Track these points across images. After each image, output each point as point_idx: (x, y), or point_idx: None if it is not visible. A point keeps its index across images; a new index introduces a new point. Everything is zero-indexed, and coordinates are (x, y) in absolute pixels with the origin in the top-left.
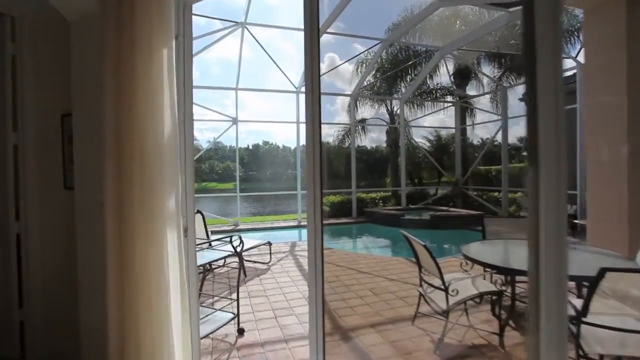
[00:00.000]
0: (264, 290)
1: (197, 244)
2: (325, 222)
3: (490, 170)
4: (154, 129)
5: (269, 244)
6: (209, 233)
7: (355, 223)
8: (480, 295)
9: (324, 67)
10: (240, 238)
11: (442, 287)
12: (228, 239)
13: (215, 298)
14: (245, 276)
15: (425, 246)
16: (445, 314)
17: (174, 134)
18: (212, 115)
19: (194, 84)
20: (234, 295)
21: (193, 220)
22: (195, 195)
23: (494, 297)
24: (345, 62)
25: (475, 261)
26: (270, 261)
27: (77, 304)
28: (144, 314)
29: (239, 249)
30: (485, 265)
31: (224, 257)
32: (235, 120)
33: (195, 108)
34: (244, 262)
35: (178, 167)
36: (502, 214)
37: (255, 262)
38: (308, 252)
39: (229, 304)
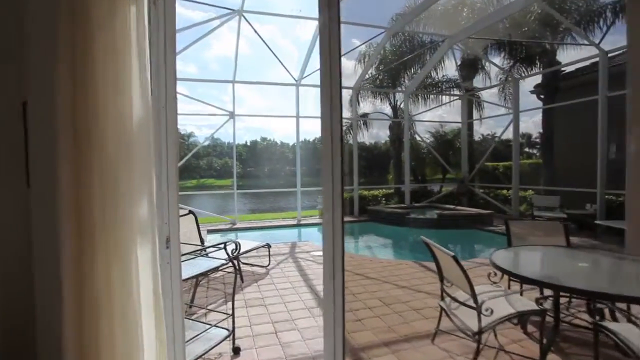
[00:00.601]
0: (263, 299)
1: (188, 253)
2: None
3: (497, 166)
4: (118, 116)
5: (268, 246)
6: (204, 236)
7: (357, 222)
8: (519, 316)
9: (318, 64)
10: (236, 245)
11: (473, 304)
12: (222, 246)
13: (209, 309)
14: (242, 282)
15: (455, 258)
16: (477, 336)
17: (146, 123)
18: (208, 110)
19: (189, 76)
20: (229, 306)
21: (177, 227)
22: (193, 192)
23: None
24: (345, 54)
25: (513, 275)
26: (269, 264)
27: (34, 326)
28: (106, 349)
29: (236, 253)
30: (527, 281)
31: (217, 268)
32: (232, 115)
33: (191, 103)
34: (241, 264)
35: (153, 163)
36: (513, 213)
37: (253, 265)
38: (324, 266)
39: (224, 319)
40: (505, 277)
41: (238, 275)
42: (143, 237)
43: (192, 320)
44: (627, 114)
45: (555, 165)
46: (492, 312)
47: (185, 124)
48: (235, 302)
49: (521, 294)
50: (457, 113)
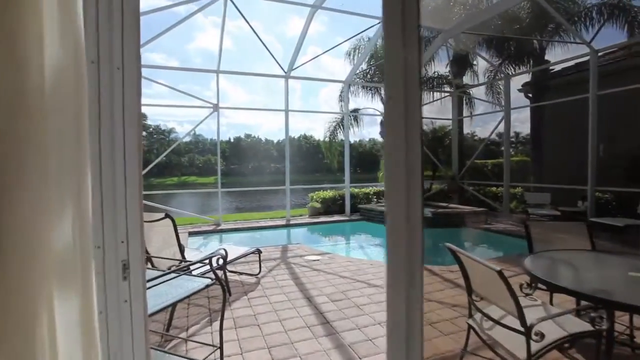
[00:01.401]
0: (255, 316)
1: (160, 275)
2: (316, 220)
3: (486, 164)
4: (11, 80)
5: (259, 252)
6: (185, 241)
7: (349, 221)
8: (571, 339)
9: (306, 59)
10: (224, 256)
11: (519, 327)
12: (207, 261)
13: (190, 335)
14: (230, 295)
15: (501, 274)
16: None
17: (74, 89)
18: (191, 103)
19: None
20: (215, 327)
21: (140, 245)
22: (174, 191)
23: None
24: (336, 46)
25: (568, 292)
26: (259, 272)
27: None
28: None
29: (222, 262)
30: (582, 297)
31: (200, 290)
32: (216, 107)
33: (171, 94)
34: (228, 273)
35: (87, 156)
36: (503, 210)
37: (241, 273)
38: (391, 281)
39: (210, 354)
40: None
41: (225, 289)
42: (65, 276)
43: (168, 354)
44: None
45: (544, 162)
46: (543, 337)
47: (166, 120)
48: (224, 315)
49: (578, 315)
50: (447, 110)
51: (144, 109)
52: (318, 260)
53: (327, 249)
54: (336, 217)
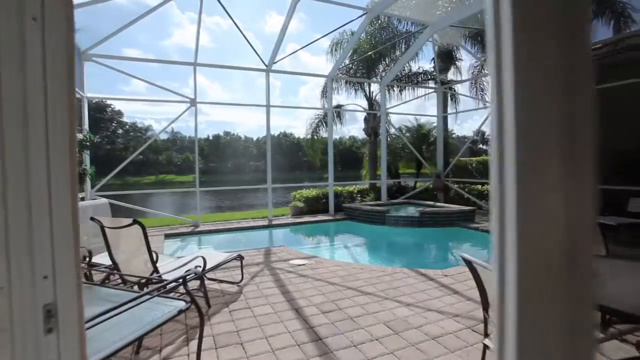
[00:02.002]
0: (237, 333)
1: (120, 305)
2: (299, 220)
3: (471, 161)
4: None
5: (240, 258)
6: (160, 244)
7: (333, 221)
8: None
9: (286, 59)
10: (199, 271)
11: None
12: (184, 278)
13: (164, 358)
14: (209, 307)
15: None
16: None
17: None
18: (167, 97)
19: (148, 69)
20: (193, 348)
21: (74, 280)
22: (147, 190)
23: None
24: (320, 38)
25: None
26: (241, 280)
27: None
28: None
29: (202, 270)
30: (626, 317)
31: (172, 317)
32: (193, 102)
33: (149, 91)
34: (207, 280)
35: None
36: (489, 208)
37: (221, 281)
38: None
39: None
40: None
41: (202, 312)
42: None
43: None
44: None
45: None
46: None
47: (144, 118)
48: (202, 340)
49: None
50: (431, 107)
51: (119, 105)
52: (304, 265)
53: (312, 251)
54: (320, 217)
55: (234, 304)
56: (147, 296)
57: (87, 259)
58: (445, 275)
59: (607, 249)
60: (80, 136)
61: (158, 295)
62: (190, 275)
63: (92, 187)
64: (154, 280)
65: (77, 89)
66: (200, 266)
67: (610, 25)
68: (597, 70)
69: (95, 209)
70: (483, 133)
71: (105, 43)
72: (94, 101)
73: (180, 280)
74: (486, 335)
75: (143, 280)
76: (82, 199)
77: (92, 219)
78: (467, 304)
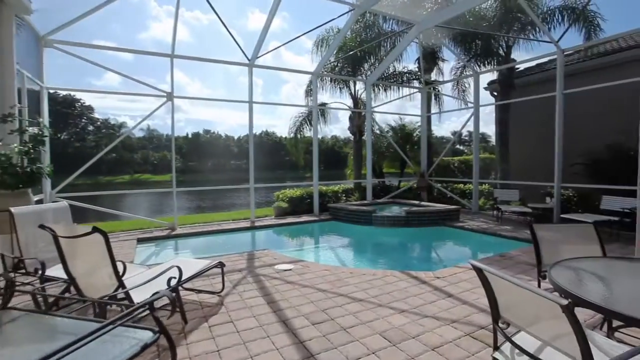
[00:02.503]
0: (218, 353)
1: (65, 347)
2: (283, 221)
3: (453, 161)
4: None
5: (221, 265)
6: (132, 251)
7: (319, 221)
8: None
9: (269, 57)
10: (179, 273)
11: None
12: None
13: None
14: (186, 323)
15: (568, 308)
16: None
17: None
18: (142, 91)
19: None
20: None
21: None
22: (121, 191)
23: None
24: (305, 33)
25: (625, 319)
26: (222, 289)
27: None
28: None
29: (177, 281)
30: None
31: (135, 356)
32: (170, 96)
33: (121, 83)
34: (184, 291)
35: None
36: (472, 207)
37: (200, 291)
38: None
39: None
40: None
41: (174, 343)
42: None
43: None
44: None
45: (510, 160)
46: None
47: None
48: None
49: None
50: (415, 107)
51: (90, 100)
52: (290, 269)
53: (298, 254)
54: (305, 218)
55: (214, 318)
56: (109, 326)
57: (40, 272)
58: (437, 278)
59: (603, 249)
60: (35, 130)
61: (121, 325)
62: (160, 299)
63: (53, 187)
64: (118, 297)
65: (34, 78)
66: (175, 277)
67: (581, 33)
68: (569, 74)
69: (54, 212)
70: (460, 134)
71: (74, 33)
72: (60, 95)
73: (146, 305)
74: (496, 348)
75: (106, 298)
76: (40, 201)
77: (41, 226)
78: (463, 308)
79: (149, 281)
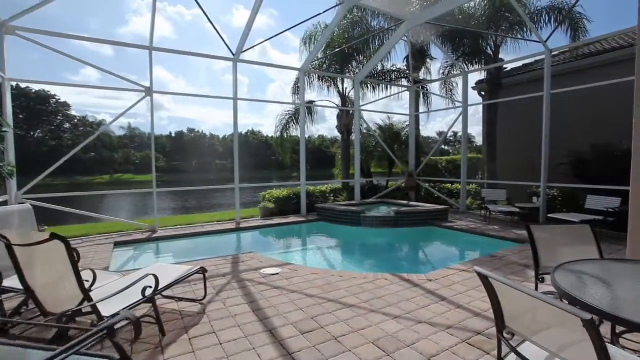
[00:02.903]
0: None
1: None
2: (270, 222)
3: (441, 160)
4: None
5: (203, 272)
6: (106, 258)
7: (306, 222)
8: None
9: (254, 54)
10: (155, 282)
11: None
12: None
13: None
14: (164, 336)
15: (592, 325)
16: None
17: None
18: (118, 85)
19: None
20: None
21: None
22: (96, 192)
23: None
24: (292, 28)
25: None
26: (205, 296)
27: None
28: None
29: (151, 293)
30: None
31: None
32: (149, 91)
33: (99, 77)
34: (163, 299)
35: None
36: (460, 206)
37: (180, 299)
38: None
39: None
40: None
41: (157, 326)
42: None
43: None
44: (634, 107)
45: (498, 159)
46: None
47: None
48: None
49: None
50: (401, 107)
51: (67, 97)
52: (278, 274)
53: (286, 257)
54: (292, 218)
55: (195, 329)
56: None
57: None
58: (430, 280)
59: (600, 251)
60: None
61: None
62: (121, 323)
63: (19, 188)
64: (84, 311)
65: None
66: (151, 287)
67: (567, 34)
68: (555, 75)
69: (20, 215)
70: (446, 134)
71: (49, 26)
72: (33, 90)
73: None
74: (501, 359)
75: (69, 313)
76: (5, 203)
77: None
78: (457, 312)
79: (121, 291)
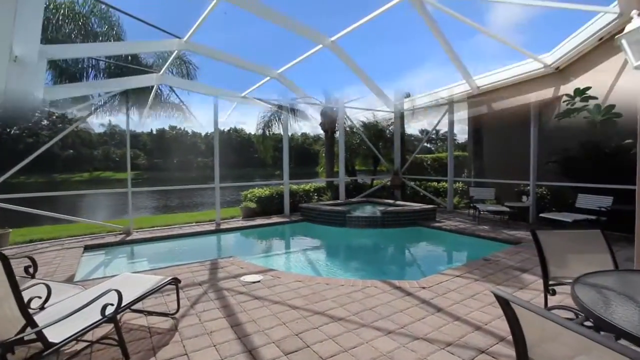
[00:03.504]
0: None
1: None
2: (252, 223)
3: (426, 158)
4: None
5: (176, 282)
6: (72, 263)
7: (290, 223)
8: None
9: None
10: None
11: None
12: None
13: None
14: (128, 358)
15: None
16: None
17: None
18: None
19: None
20: None
21: None
22: (65, 192)
23: None
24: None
25: None
26: (177, 310)
27: None
28: None
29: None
30: None
31: None
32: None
33: None
34: (130, 313)
35: None
36: (447, 205)
37: (150, 313)
38: None
39: None
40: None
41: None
42: None
43: None
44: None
45: (484, 158)
46: None
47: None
48: None
49: None
50: (382, 105)
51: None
52: (259, 281)
53: (268, 262)
54: (275, 219)
55: (164, 350)
56: None
57: None
58: (423, 288)
59: (615, 262)
60: None
61: None
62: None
63: None
64: (26, 339)
65: None
66: (112, 304)
67: None
68: None
69: None
70: (428, 132)
71: None
72: None
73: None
74: None
75: (8, 341)
76: None
77: None
78: (456, 326)
79: (75, 312)
